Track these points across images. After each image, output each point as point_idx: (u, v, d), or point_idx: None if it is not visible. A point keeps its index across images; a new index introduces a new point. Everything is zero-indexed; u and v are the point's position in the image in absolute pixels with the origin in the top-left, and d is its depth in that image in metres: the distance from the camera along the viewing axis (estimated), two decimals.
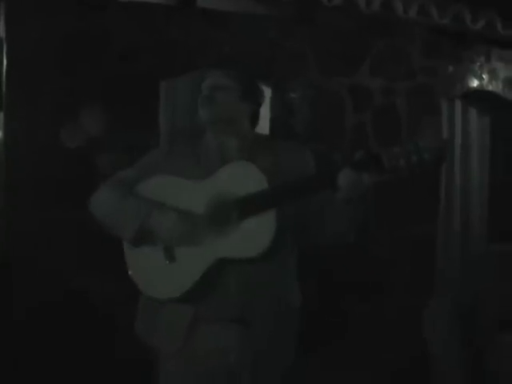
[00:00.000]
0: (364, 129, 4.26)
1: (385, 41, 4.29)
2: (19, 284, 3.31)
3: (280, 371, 2.21)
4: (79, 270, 3.34)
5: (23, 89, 3.38)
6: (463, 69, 4.58)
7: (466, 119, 4.72)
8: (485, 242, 4.79)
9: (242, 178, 2.09)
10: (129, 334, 2.25)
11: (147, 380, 2.98)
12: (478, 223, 4.78)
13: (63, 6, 3.43)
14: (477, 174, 4.76)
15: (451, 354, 3.43)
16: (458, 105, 4.68)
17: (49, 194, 3.34)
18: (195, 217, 2.09)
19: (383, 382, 3.99)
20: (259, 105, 2.30)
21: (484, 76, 4.66)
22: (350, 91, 4.21)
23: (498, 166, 4.95)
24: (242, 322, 2.10)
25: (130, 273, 2.17)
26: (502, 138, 4.95)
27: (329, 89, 4.15)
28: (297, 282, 2.27)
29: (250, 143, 2.23)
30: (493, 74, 4.69)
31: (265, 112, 3.99)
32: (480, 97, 4.71)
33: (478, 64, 4.65)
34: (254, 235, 2.04)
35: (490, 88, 4.70)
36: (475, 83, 4.64)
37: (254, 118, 2.29)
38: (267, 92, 3.99)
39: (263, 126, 3.94)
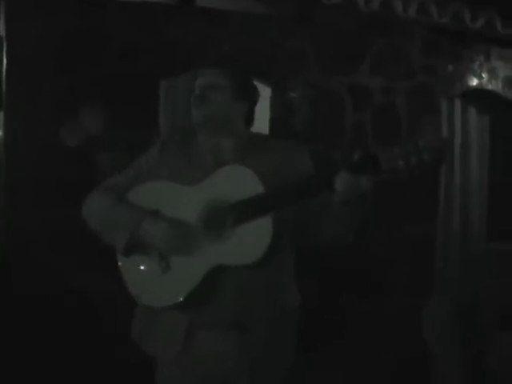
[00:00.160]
0: (364, 128, 4.26)
1: (384, 40, 4.30)
2: (19, 284, 3.30)
3: (279, 374, 2.18)
4: (79, 269, 3.34)
5: (23, 88, 3.37)
6: (463, 68, 4.58)
7: (465, 118, 4.72)
8: (484, 241, 4.80)
9: (237, 183, 2.03)
10: (130, 334, 2.25)
11: (148, 380, 2.97)
12: (477, 222, 4.79)
13: (63, 5, 3.42)
14: (476, 173, 4.77)
15: (451, 353, 3.43)
16: (458, 104, 4.69)
17: (49, 194, 3.34)
18: (187, 225, 2.04)
19: (383, 382, 4.00)
20: (254, 103, 2.22)
21: (483, 75, 4.66)
22: (350, 90, 4.21)
23: (498, 166, 4.95)
24: (239, 328, 2.07)
25: (124, 281, 2.13)
26: (501, 137, 4.95)
27: (328, 88, 4.15)
28: (295, 283, 2.23)
29: (245, 144, 2.16)
30: (492, 73, 4.70)
31: (264, 111, 4.02)
32: (479, 96, 4.72)
33: (478, 63, 4.65)
34: (250, 241, 1.99)
35: (490, 87, 4.70)
36: (475, 82, 4.64)
37: (249, 118, 2.21)
38: (267, 91, 4.01)
39: (263, 126, 3.95)
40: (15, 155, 3.36)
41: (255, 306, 2.07)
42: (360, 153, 1.92)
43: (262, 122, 3.98)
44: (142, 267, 2.11)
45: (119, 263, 2.16)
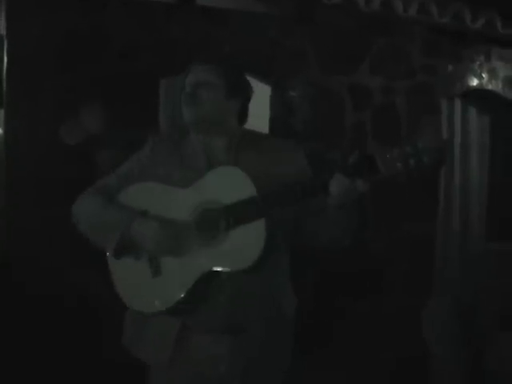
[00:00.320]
0: (363, 128, 4.26)
1: (385, 39, 4.30)
2: (19, 283, 3.30)
3: (275, 377, 2.13)
4: (80, 269, 3.34)
5: (24, 86, 3.37)
6: (463, 68, 4.58)
7: (465, 118, 4.72)
8: (483, 241, 4.80)
9: (230, 185, 1.98)
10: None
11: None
12: (476, 222, 4.79)
13: (64, 4, 3.42)
14: (476, 173, 4.77)
15: (450, 353, 3.43)
16: (458, 104, 4.69)
17: (49, 192, 3.34)
18: (179, 225, 2.00)
19: (382, 381, 4.00)
20: (247, 100, 2.17)
21: (484, 75, 4.66)
22: (350, 90, 4.21)
23: (498, 166, 4.95)
24: (233, 331, 2.03)
25: (115, 286, 2.10)
26: (501, 137, 4.95)
27: (328, 87, 4.15)
28: (290, 285, 2.19)
29: (238, 143, 2.11)
30: (492, 73, 4.70)
31: (264, 110, 4.02)
32: (480, 96, 4.72)
33: (478, 63, 4.65)
34: (243, 245, 1.94)
35: (490, 87, 4.70)
36: (475, 82, 4.64)
37: (242, 115, 2.16)
38: (267, 90, 4.02)
39: (263, 125, 3.95)
40: (15, 154, 3.36)
41: (250, 309, 2.03)
42: (356, 155, 1.86)
43: (261, 121, 3.99)
44: (132, 271, 2.07)
45: (109, 267, 2.12)
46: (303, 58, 4.05)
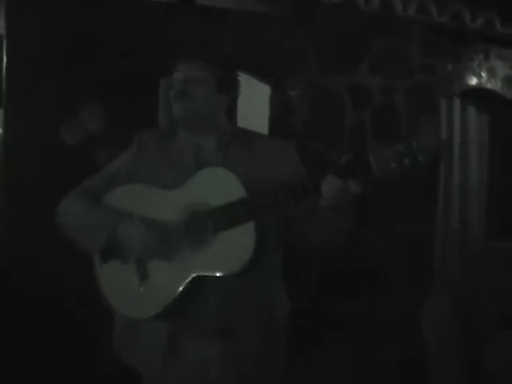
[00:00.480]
0: (363, 127, 4.26)
1: (384, 39, 4.30)
2: (19, 283, 3.30)
3: (269, 380, 2.09)
4: (80, 269, 3.33)
5: (23, 86, 3.37)
6: (462, 67, 4.58)
7: (464, 117, 4.72)
8: (483, 240, 4.80)
9: (218, 187, 1.92)
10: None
11: None
12: (476, 221, 4.80)
13: (63, 3, 3.42)
14: (475, 172, 4.77)
15: (450, 352, 3.43)
16: (457, 103, 4.69)
17: (49, 192, 3.33)
18: (167, 227, 1.96)
19: (381, 381, 4.00)
20: (236, 96, 2.14)
21: (483, 74, 4.67)
22: (350, 89, 4.21)
23: (497, 165, 4.96)
24: (224, 336, 1.98)
25: (102, 290, 2.07)
26: (500, 136, 4.96)
27: (328, 87, 4.15)
28: (283, 287, 2.14)
29: (228, 141, 2.06)
30: (492, 73, 4.70)
31: (264, 110, 4.02)
32: (479, 95, 4.72)
33: (477, 62, 4.65)
34: (232, 249, 1.89)
35: (489, 86, 4.70)
36: (474, 81, 4.65)
37: (232, 112, 2.14)
38: (266, 90, 4.02)
39: (262, 124, 3.96)
40: (15, 153, 3.36)
41: (241, 312, 1.99)
42: (348, 155, 1.80)
43: (261, 121, 3.99)
44: (119, 275, 2.02)
45: (96, 271, 2.09)
46: (303, 57, 4.05)
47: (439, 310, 3.56)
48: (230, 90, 2.10)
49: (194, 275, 1.92)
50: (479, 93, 4.70)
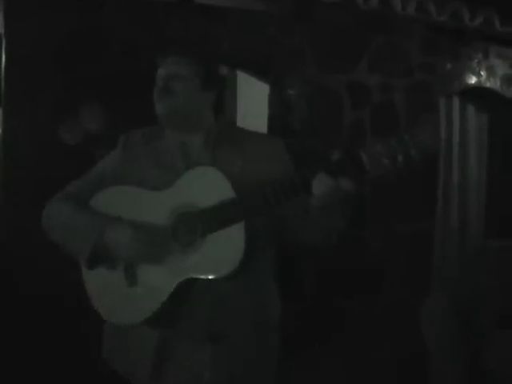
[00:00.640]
0: (362, 125, 4.26)
1: (383, 37, 4.29)
2: (19, 283, 3.29)
3: (264, 381, 2.04)
4: (80, 269, 3.33)
5: (22, 85, 3.36)
6: (461, 66, 4.58)
7: (463, 116, 4.72)
8: (482, 239, 4.80)
9: (206, 187, 1.87)
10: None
11: None
12: (475, 220, 4.79)
13: (62, 2, 3.42)
14: (474, 171, 4.77)
15: (449, 351, 3.43)
16: (456, 102, 4.68)
17: (48, 192, 3.33)
18: (155, 231, 1.90)
19: (381, 380, 4.00)
20: (222, 91, 2.08)
21: (482, 73, 4.66)
22: (348, 88, 4.21)
23: (496, 164, 4.96)
24: (215, 340, 1.93)
25: (89, 297, 2.02)
26: (499, 135, 4.96)
27: (327, 85, 4.14)
28: (275, 288, 2.08)
29: (216, 139, 2.01)
30: (491, 71, 4.70)
31: (263, 108, 4.02)
32: (478, 94, 4.72)
33: (476, 61, 4.65)
34: (222, 251, 1.84)
35: (488, 85, 4.70)
36: (473, 80, 4.64)
37: (218, 107, 2.06)
38: (265, 88, 4.02)
39: (261, 123, 3.96)
40: (14, 153, 3.35)
41: (232, 315, 1.94)
42: (339, 152, 1.75)
43: (260, 119, 3.99)
44: (107, 281, 1.97)
45: (83, 277, 2.04)
46: (302, 56, 4.05)
47: (438, 308, 3.56)
48: (215, 85, 2.04)
49: (183, 278, 1.87)
50: (478, 91, 4.70)
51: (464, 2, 4.34)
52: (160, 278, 1.90)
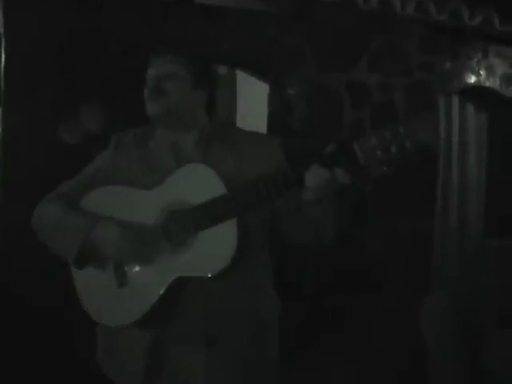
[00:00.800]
0: (362, 125, 4.26)
1: (383, 37, 4.29)
2: (19, 283, 3.29)
3: (261, 381, 2.00)
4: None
5: (22, 84, 3.36)
6: (461, 65, 4.58)
7: (463, 115, 4.72)
8: (481, 238, 4.80)
9: (197, 184, 1.84)
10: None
11: None
12: (474, 219, 4.79)
13: (62, 2, 3.42)
14: (474, 170, 4.77)
15: (448, 350, 3.44)
16: (456, 101, 4.68)
17: (48, 191, 3.33)
18: (144, 229, 1.88)
19: (380, 379, 4.00)
20: (214, 90, 2.04)
21: (481, 72, 4.66)
22: (348, 87, 4.22)
23: (495, 163, 4.96)
24: (208, 342, 1.89)
25: (79, 298, 2.00)
26: (499, 134, 4.96)
27: (327, 85, 4.15)
28: (272, 287, 2.04)
29: (208, 137, 1.98)
30: (490, 71, 4.70)
31: (262, 108, 4.02)
32: (477, 93, 4.72)
33: (476, 60, 4.65)
34: (214, 249, 1.81)
35: (488, 84, 4.70)
36: (473, 79, 4.64)
37: (210, 106, 2.03)
38: (265, 88, 4.02)
39: (261, 123, 3.96)
40: (13, 152, 3.35)
41: (225, 316, 1.91)
42: (333, 144, 1.70)
43: (259, 119, 3.99)
44: (97, 281, 1.95)
45: (73, 277, 2.02)
46: (301, 55, 4.05)
47: (438, 307, 3.56)
48: (207, 84, 2.01)
49: (175, 277, 1.84)
50: (478, 91, 4.70)
51: (463, 1, 4.34)
52: (150, 277, 1.87)
